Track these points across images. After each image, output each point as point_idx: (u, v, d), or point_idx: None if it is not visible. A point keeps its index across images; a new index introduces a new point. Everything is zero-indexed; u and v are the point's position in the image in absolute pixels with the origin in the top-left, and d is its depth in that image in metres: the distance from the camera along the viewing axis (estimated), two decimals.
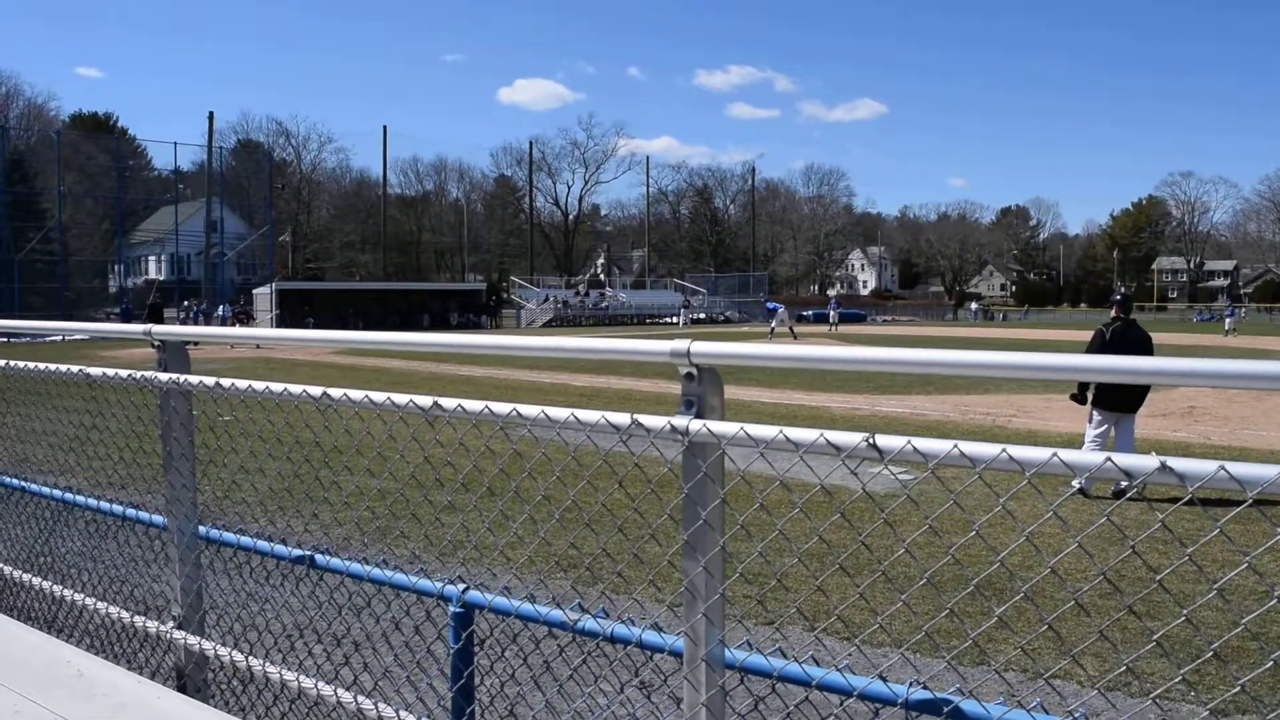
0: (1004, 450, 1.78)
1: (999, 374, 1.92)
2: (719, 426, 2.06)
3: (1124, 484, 8.41)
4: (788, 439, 1.96)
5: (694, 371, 2.14)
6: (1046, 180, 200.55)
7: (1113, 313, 10.76)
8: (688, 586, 2.16)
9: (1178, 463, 1.65)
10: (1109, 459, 1.72)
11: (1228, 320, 57.28)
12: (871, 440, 1.89)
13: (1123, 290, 12.75)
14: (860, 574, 6.53)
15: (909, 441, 1.87)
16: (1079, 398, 10.39)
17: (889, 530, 7.34)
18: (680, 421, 2.10)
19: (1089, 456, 1.76)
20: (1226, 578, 2.92)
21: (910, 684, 2.14)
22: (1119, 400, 10.03)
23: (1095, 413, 10.18)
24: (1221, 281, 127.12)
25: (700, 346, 2.11)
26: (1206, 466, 1.64)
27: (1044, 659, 5.22)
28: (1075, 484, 9.35)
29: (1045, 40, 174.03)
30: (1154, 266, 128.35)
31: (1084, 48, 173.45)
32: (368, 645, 3.34)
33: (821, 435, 1.93)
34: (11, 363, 4.18)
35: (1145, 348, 10.21)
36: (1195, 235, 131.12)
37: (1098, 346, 10.41)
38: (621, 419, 2.19)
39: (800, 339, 44.32)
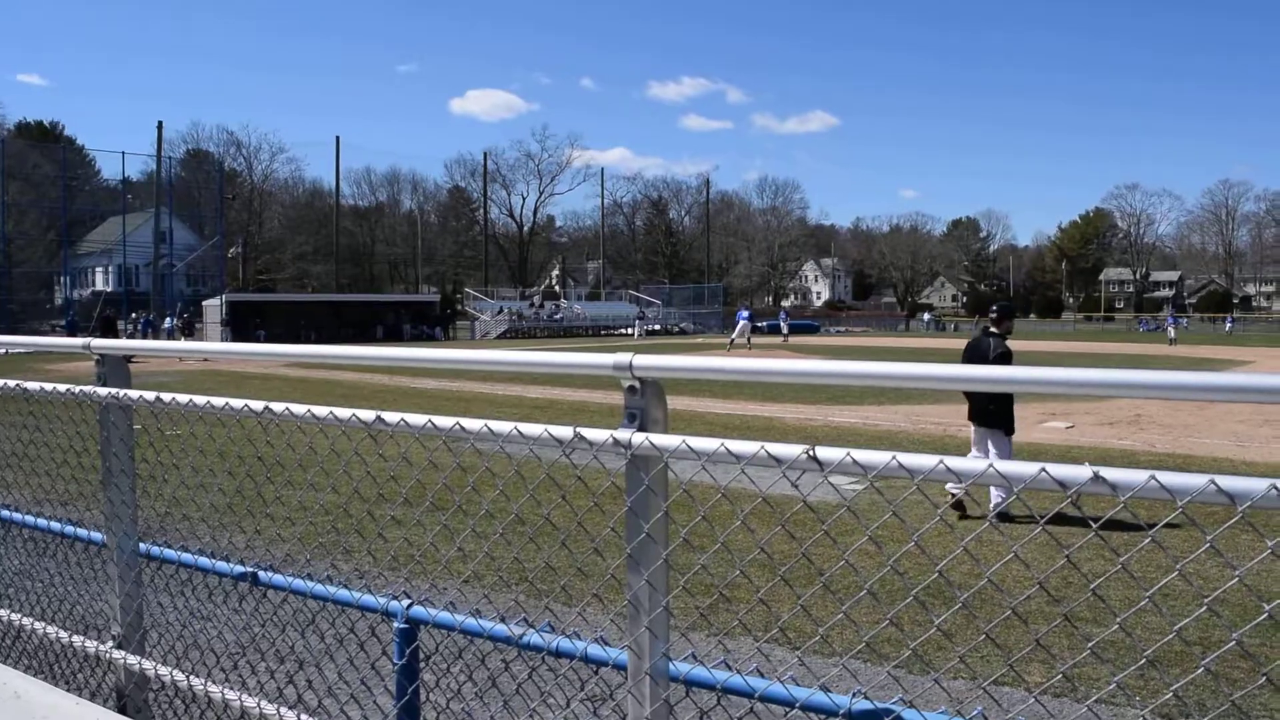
0: (941, 462, 1.80)
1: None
2: (661, 439, 2.06)
3: (1000, 502, 8.53)
4: (729, 451, 1.97)
5: (636, 385, 2.15)
6: (997, 192, 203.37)
7: (985, 322, 10.49)
8: (631, 600, 2.16)
9: (1110, 473, 1.67)
10: (1043, 469, 1.74)
11: (1170, 330, 58.55)
12: (811, 453, 1.90)
13: (998, 303, 11.83)
14: (804, 585, 6.56)
15: (848, 453, 1.88)
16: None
17: (834, 541, 7.39)
18: (623, 434, 2.10)
19: (1013, 466, 1.78)
20: (1159, 584, 2.96)
21: (853, 694, 2.15)
22: (973, 412, 9.75)
23: (972, 426, 9.91)
24: (1167, 292, 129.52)
25: (642, 360, 2.12)
26: (1136, 476, 1.67)
27: (988, 667, 5.26)
28: (994, 502, 9.01)
29: (994, 50, 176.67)
30: (1101, 277, 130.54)
31: (1033, 58, 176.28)
32: (312, 662, 3.30)
33: (762, 448, 1.94)
34: None
35: (988, 358, 9.69)
36: (1141, 246, 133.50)
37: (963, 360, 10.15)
38: (564, 432, 2.19)
39: (752, 350, 44.52)
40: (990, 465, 1.77)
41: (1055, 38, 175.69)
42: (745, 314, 50.39)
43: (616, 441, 2.10)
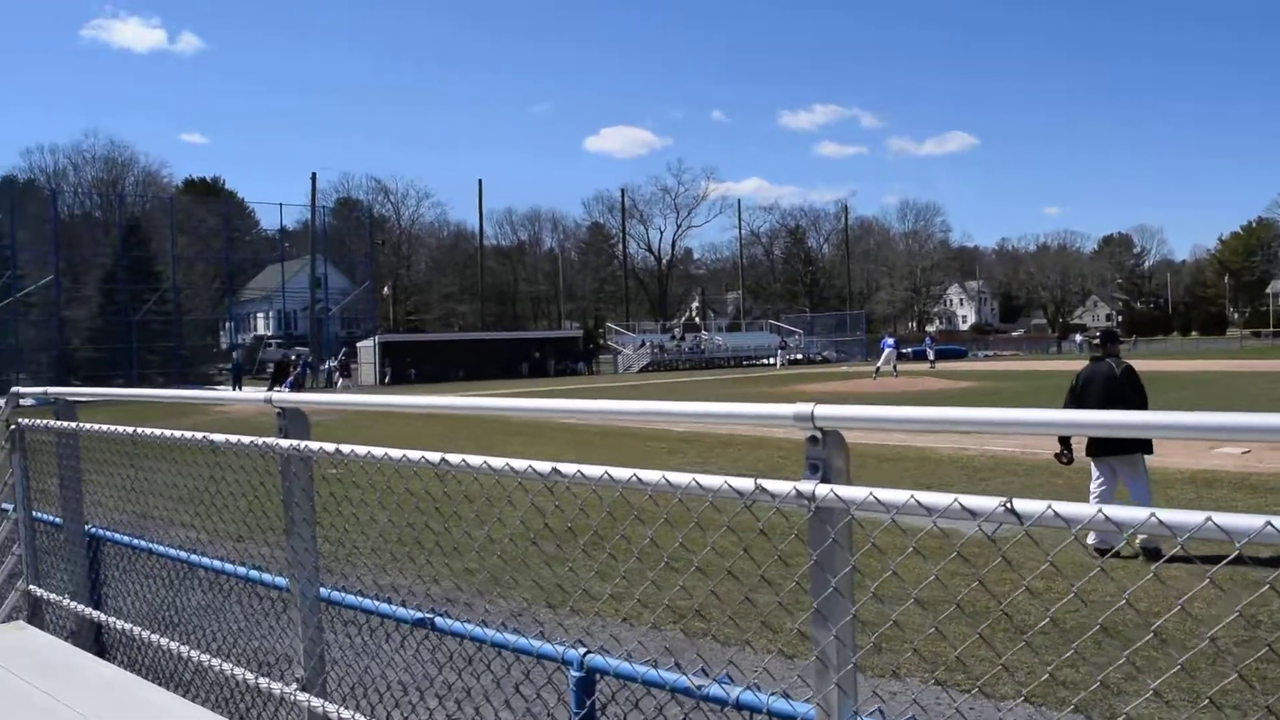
0: (1152, 515, 1.70)
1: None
2: (846, 492, 2.02)
3: (1153, 544, 7.79)
4: (919, 504, 1.91)
5: (818, 435, 2.11)
6: (1148, 207, 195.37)
7: (1095, 352, 9.83)
8: (819, 656, 2.11)
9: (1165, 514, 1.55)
10: (1209, 518, 1.62)
11: None
12: (1009, 505, 1.83)
13: (1100, 329, 11.00)
14: (992, 631, 6.34)
15: (1049, 506, 1.80)
16: (1063, 456, 9.23)
17: (1033, 594, 7.11)
18: (806, 486, 2.06)
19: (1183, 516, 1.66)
20: None
21: None
22: (1106, 441, 8.78)
23: (1092, 464, 9.19)
24: None
25: (824, 410, 2.08)
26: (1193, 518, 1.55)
27: (1181, 710, 4.98)
28: (1090, 539, 8.16)
29: (1137, 69, 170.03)
30: (1268, 290, 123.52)
31: (1178, 66, 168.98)
32: (488, 705, 3.34)
33: (956, 500, 1.87)
34: (141, 430, 4.33)
35: (1120, 384, 9.06)
36: None
37: (1068, 395, 9.46)
38: (745, 485, 2.16)
39: (901, 377, 43.68)
40: (1268, 523, 1.64)
41: (1196, 54, 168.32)
42: (890, 342, 49.58)
43: (800, 494, 2.07)
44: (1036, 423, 1.96)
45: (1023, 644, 3.61)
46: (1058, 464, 9.54)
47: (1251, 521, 1.62)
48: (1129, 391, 9.16)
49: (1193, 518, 1.66)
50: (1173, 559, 7.82)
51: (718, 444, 18.35)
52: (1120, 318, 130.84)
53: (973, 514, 1.86)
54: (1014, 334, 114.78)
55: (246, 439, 3.70)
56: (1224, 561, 1.85)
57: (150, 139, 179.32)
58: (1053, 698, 5.11)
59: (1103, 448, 8.88)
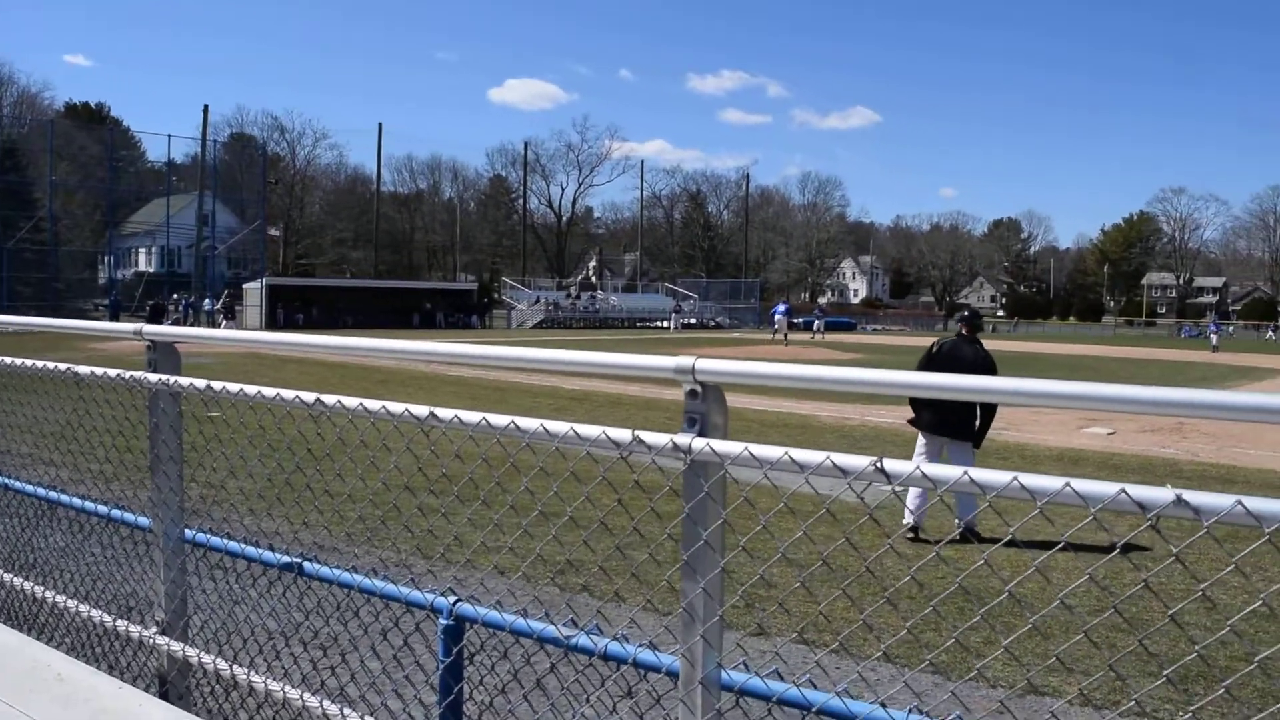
0: (1015, 479, 1.74)
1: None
2: (722, 446, 2.02)
3: (969, 520, 8.06)
4: (793, 460, 1.92)
5: (698, 389, 2.10)
6: (1039, 193, 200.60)
7: (960, 329, 9.69)
8: (686, 608, 2.12)
9: (1195, 496, 1.61)
10: (1123, 490, 1.67)
11: (1213, 336, 57.66)
12: (879, 465, 1.85)
13: (969, 308, 11.24)
14: (860, 592, 6.50)
15: (918, 467, 1.83)
16: (914, 421, 9.23)
17: (885, 545, 7.31)
18: (683, 440, 2.06)
19: (1093, 486, 1.71)
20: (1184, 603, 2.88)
21: (910, 710, 2.10)
22: (936, 422, 8.89)
23: (920, 437, 9.11)
24: (1210, 298, 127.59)
25: (705, 364, 2.07)
26: (1222, 501, 1.61)
27: (1041, 678, 5.19)
28: (905, 520, 8.47)
29: (1040, 52, 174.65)
30: (1144, 282, 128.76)
31: (1079, 61, 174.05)
32: (354, 653, 3.29)
33: (828, 458, 1.89)
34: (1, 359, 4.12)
35: (978, 369, 8.92)
36: (1185, 252, 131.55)
37: (923, 363, 9.34)
38: (623, 435, 2.15)
39: (791, 346, 44.34)
40: (1067, 484, 1.71)
41: (1101, 42, 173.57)
42: (783, 308, 50.34)
43: (676, 446, 2.06)
44: (906, 384, 1.99)
45: (882, 602, 3.69)
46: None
47: (1052, 483, 1.70)
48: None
49: (1000, 477, 1.74)
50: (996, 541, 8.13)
51: (606, 403, 18.39)
52: (1004, 299, 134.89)
53: (844, 472, 1.88)
54: (902, 310, 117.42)
55: (113, 372, 3.55)
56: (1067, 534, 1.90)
57: (29, 57, 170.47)
58: (915, 658, 5.26)
59: (938, 427, 8.89)
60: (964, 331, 9.54)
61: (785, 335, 47.38)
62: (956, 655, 5.33)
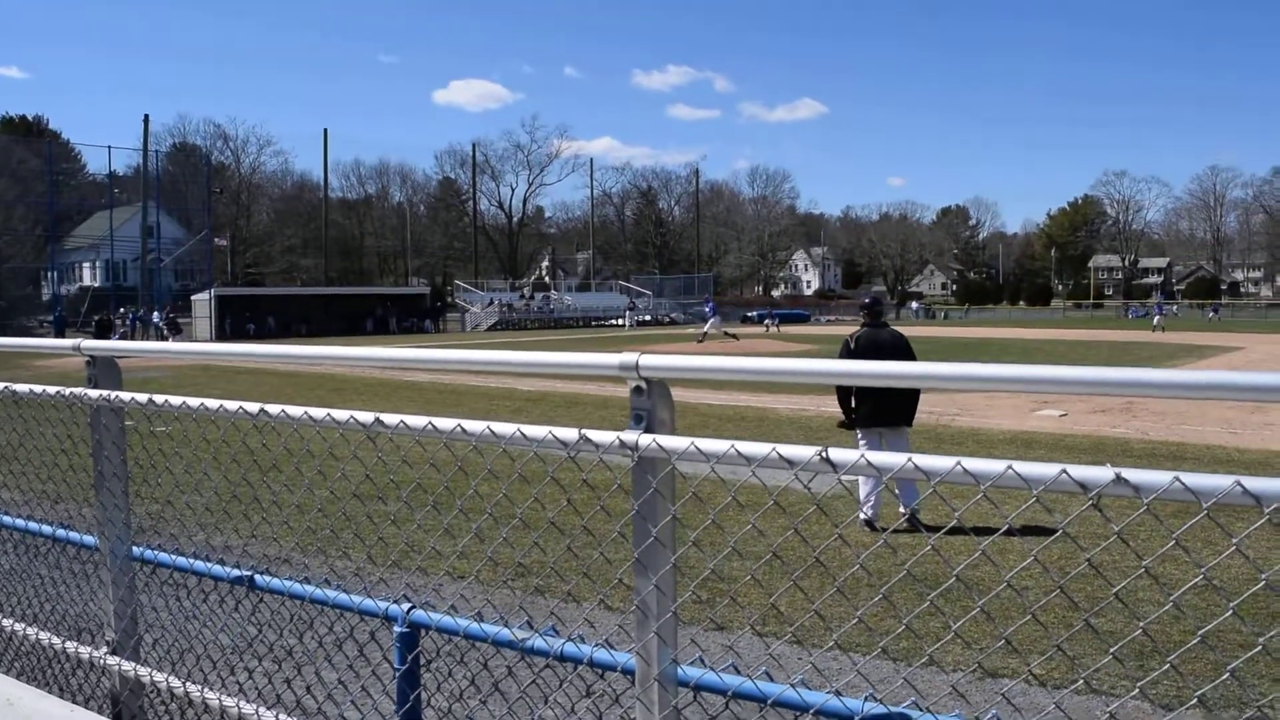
0: (958, 463, 1.76)
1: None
2: (669, 441, 2.01)
3: (913, 507, 8.20)
4: (739, 454, 1.92)
5: (643, 385, 2.10)
6: (985, 180, 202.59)
7: (862, 319, 9.67)
8: (639, 605, 2.11)
9: (1133, 474, 1.63)
10: (1064, 471, 1.69)
11: (1156, 316, 58.67)
12: (825, 454, 1.85)
13: (870, 295, 11.32)
14: (812, 581, 6.54)
15: (862, 455, 1.84)
16: (846, 423, 9.16)
17: (848, 544, 7.35)
18: (629, 436, 2.05)
19: (1034, 468, 1.73)
20: (1128, 581, 2.93)
21: (865, 698, 2.11)
22: (880, 413, 8.90)
23: (859, 433, 9.03)
24: (1156, 279, 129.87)
25: (649, 360, 2.07)
26: (1160, 478, 1.63)
27: (992, 660, 5.25)
28: (863, 515, 8.62)
29: (982, 39, 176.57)
30: (1090, 264, 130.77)
31: (1019, 46, 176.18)
32: (310, 665, 3.25)
33: (774, 449, 1.89)
34: None
35: (900, 351, 9.11)
36: (1130, 233, 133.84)
37: (844, 356, 9.01)
38: (569, 434, 2.14)
39: (740, 340, 44.48)
40: (1009, 467, 1.72)
41: (1041, 26, 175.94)
42: (712, 305, 50.41)
43: (623, 444, 2.06)
44: (848, 373, 2.00)
45: (834, 592, 3.71)
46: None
47: (995, 466, 1.72)
48: (911, 359, 9.30)
49: (943, 462, 1.76)
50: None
51: (563, 403, 18.35)
52: (955, 286, 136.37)
53: (790, 463, 1.88)
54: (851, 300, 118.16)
55: (52, 389, 3.48)
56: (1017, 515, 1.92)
57: None
58: (871, 646, 5.30)
59: (874, 419, 8.94)
60: (868, 320, 9.56)
61: (724, 330, 47.00)
62: (911, 642, 5.38)
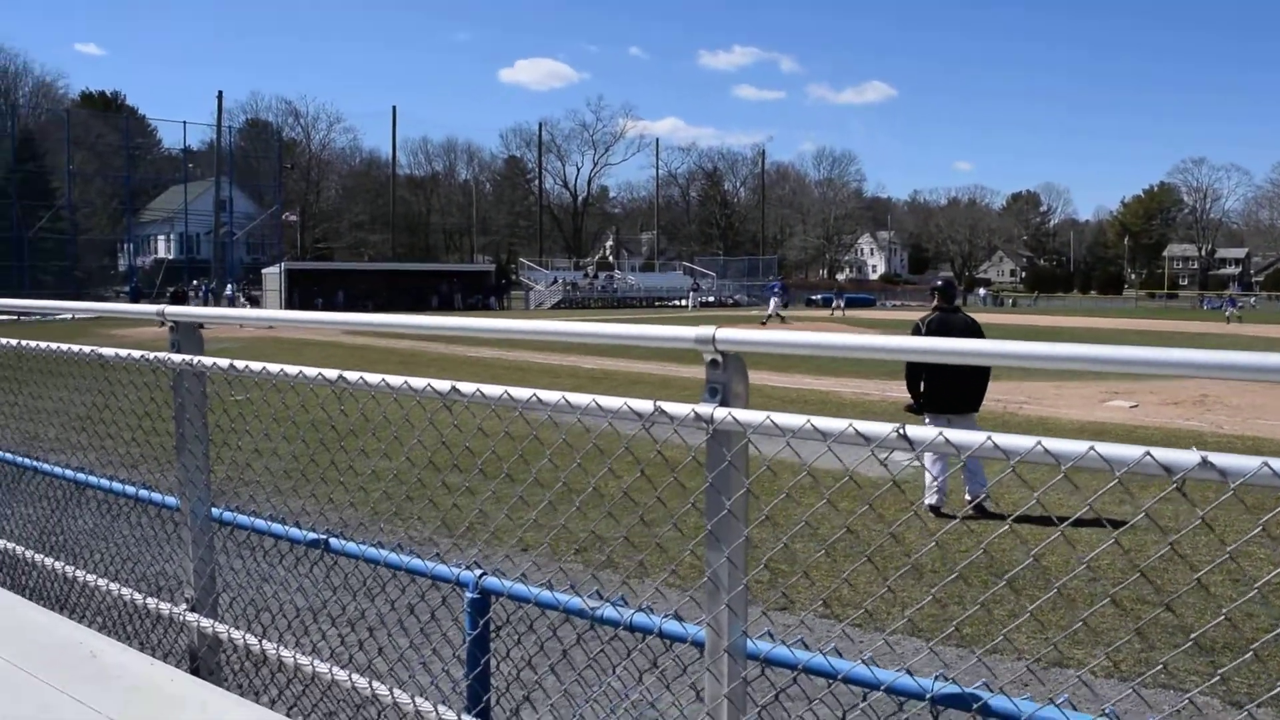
0: (1039, 443, 1.74)
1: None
2: (744, 415, 2.02)
3: (980, 494, 8.09)
4: (815, 428, 1.93)
5: (719, 358, 2.10)
6: (1057, 166, 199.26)
7: (933, 302, 9.59)
8: (710, 577, 2.13)
9: (1220, 458, 1.60)
10: (1148, 453, 1.67)
11: (1229, 309, 57.14)
12: (902, 430, 1.85)
13: (942, 277, 10.99)
14: (883, 564, 6.51)
15: (941, 433, 1.83)
16: (913, 407, 9.05)
17: (924, 522, 7.32)
18: (705, 409, 2.07)
19: (1117, 450, 1.71)
20: (1206, 568, 2.88)
21: (936, 677, 2.11)
22: (949, 398, 8.78)
23: (927, 418, 8.78)
24: (1233, 269, 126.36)
25: (726, 333, 2.07)
26: (1248, 463, 1.60)
27: (1067, 651, 5.19)
28: (928, 499, 8.54)
29: (1056, 25, 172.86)
30: (1165, 254, 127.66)
31: (1096, 34, 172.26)
32: (382, 629, 3.32)
33: (850, 425, 1.89)
34: (25, 342, 4.16)
35: (970, 335, 8.81)
36: (1207, 222, 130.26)
37: None
38: (644, 406, 2.15)
39: (796, 324, 44.17)
40: (1091, 448, 1.71)
41: (1119, 13, 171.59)
42: (777, 286, 50.24)
43: (698, 416, 2.07)
44: (928, 349, 1.99)
45: (906, 570, 3.70)
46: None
47: (1076, 447, 1.70)
48: None
49: (1023, 441, 1.74)
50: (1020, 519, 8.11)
51: (625, 382, 18.42)
52: (1024, 273, 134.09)
53: (866, 439, 1.88)
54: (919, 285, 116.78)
55: (137, 353, 3.58)
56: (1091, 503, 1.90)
57: (43, 48, 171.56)
58: (937, 631, 5.27)
59: (943, 404, 8.82)
60: (940, 303, 9.45)
61: (780, 314, 46.76)
62: (981, 627, 5.34)
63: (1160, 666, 4.57)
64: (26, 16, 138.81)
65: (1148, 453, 1.66)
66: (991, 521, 7.94)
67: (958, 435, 1.82)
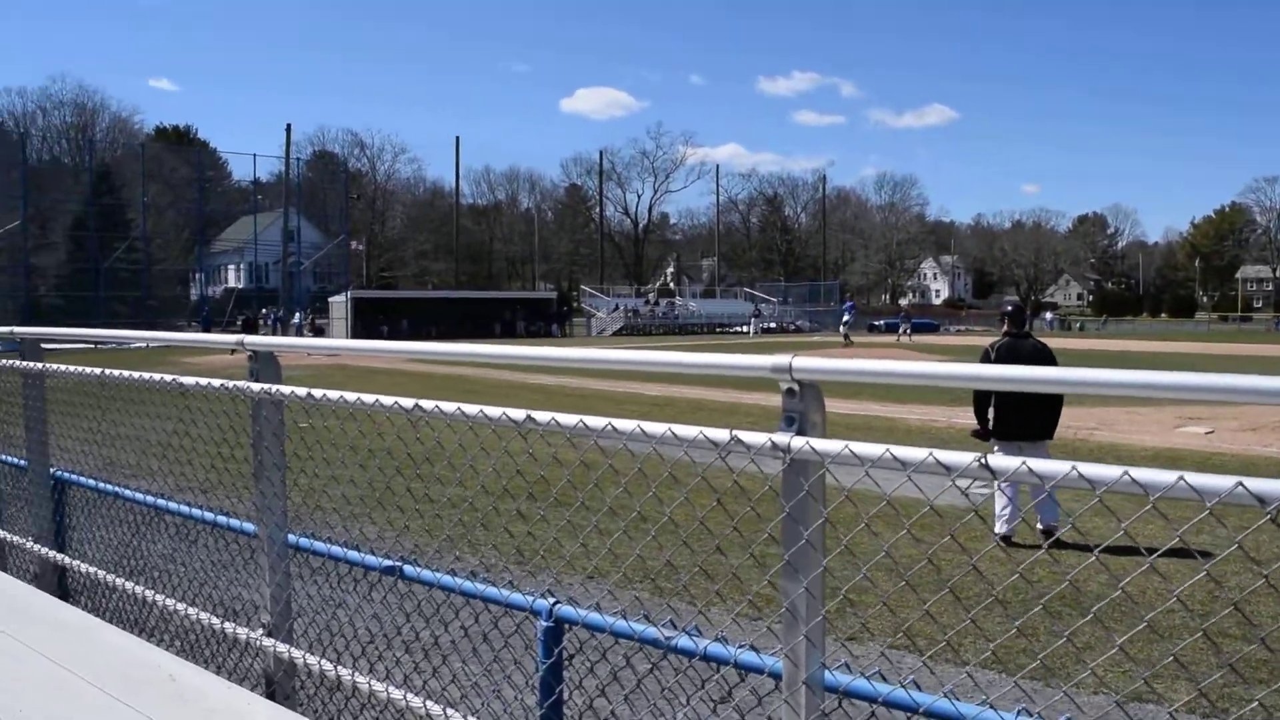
0: (1125, 473, 1.71)
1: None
2: (822, 444, 2.01)
3: (1053, 524, 7.81)
4: (895, 458, 1.91)
5: (795, 387, 2.10)
6: (1125, 187, 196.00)
7: (1002, 327, 9.38)
8: (788, 608, 2.12)
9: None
10: (1240, 483, 1.63)
11: None
12: (984, 460, 1.83)
13: (1011, 302, 10.67)
14: (945, 597, 6.40)
15: (1024, 462, 1.81)
16: (980, 433, 8.84)
17: (1008, 555, 7.18)
18: (782, 438, 2.06)
19: (1209, 480, 1.67)
20: None
21: (1018, 711, 2.07)
22: (1019, 425, 8.54)
23: (996, 446, 8.55)
24: None
25: (803, 362, 2.07)
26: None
27: (1149, 684, 5.06)
28: (998, 529, 8.16)
29: (1123, 44, 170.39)
30: (1238, 275, 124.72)
31: (1164, 53, 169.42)
32: (455, 655, 3.34)
33: (931, 454, 1.87)
34: (109, 371, 4.27)
35: (1042, 361, 8.65)
36: None
37: None
38: (720, 435, 2.15)
39: (873, 348, 43.85)
40: (1181, 478, 1.67)
41: (1188, 33, 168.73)
42: (850, 304, 50.33)
43: (775, 446, 2.06)
44: (1006, 378, 1.97)
45: (989, 602, 3.63)
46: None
47: (1164, 477, 1.66)
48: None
49: (1109, 471, 1.71)
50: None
51: (689, 408, 18.39)
52: (1091, 297, 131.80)
53: (947, 469, 1.86)
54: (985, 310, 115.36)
55: (216, 382, 3.65)
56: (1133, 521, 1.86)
57: (119, 84, 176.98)
58: (1011, 663, 5.16)
59: (1013, 431, 8.60)
60: (1009, 328, 9.26)
61: (847, 336, 46.66)
62: (1058, 660, 5.22)
63: (1257, 704, 4.43)
64: (104, 54, 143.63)
65: (1240, 483, 1.62)
66: (1065, 551, 7.77)
67: (1041, 464, 1.80)
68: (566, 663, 2.93)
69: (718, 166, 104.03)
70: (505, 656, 3.10)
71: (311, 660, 3.35)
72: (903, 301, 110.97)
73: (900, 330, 58.67)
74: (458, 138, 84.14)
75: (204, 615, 3.91)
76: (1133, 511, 1.74)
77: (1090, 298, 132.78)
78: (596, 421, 2.36)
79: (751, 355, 2.22)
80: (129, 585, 4.41)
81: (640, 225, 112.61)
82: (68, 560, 5.00)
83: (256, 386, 3.43)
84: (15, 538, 5.20)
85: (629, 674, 2.76)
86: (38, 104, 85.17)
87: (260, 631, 3.59)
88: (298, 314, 60.99)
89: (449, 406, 2.70)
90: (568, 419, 2.43)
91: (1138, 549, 1.86)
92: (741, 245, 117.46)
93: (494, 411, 2.58)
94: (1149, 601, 6.14)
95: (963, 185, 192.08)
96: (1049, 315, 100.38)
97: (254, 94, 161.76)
